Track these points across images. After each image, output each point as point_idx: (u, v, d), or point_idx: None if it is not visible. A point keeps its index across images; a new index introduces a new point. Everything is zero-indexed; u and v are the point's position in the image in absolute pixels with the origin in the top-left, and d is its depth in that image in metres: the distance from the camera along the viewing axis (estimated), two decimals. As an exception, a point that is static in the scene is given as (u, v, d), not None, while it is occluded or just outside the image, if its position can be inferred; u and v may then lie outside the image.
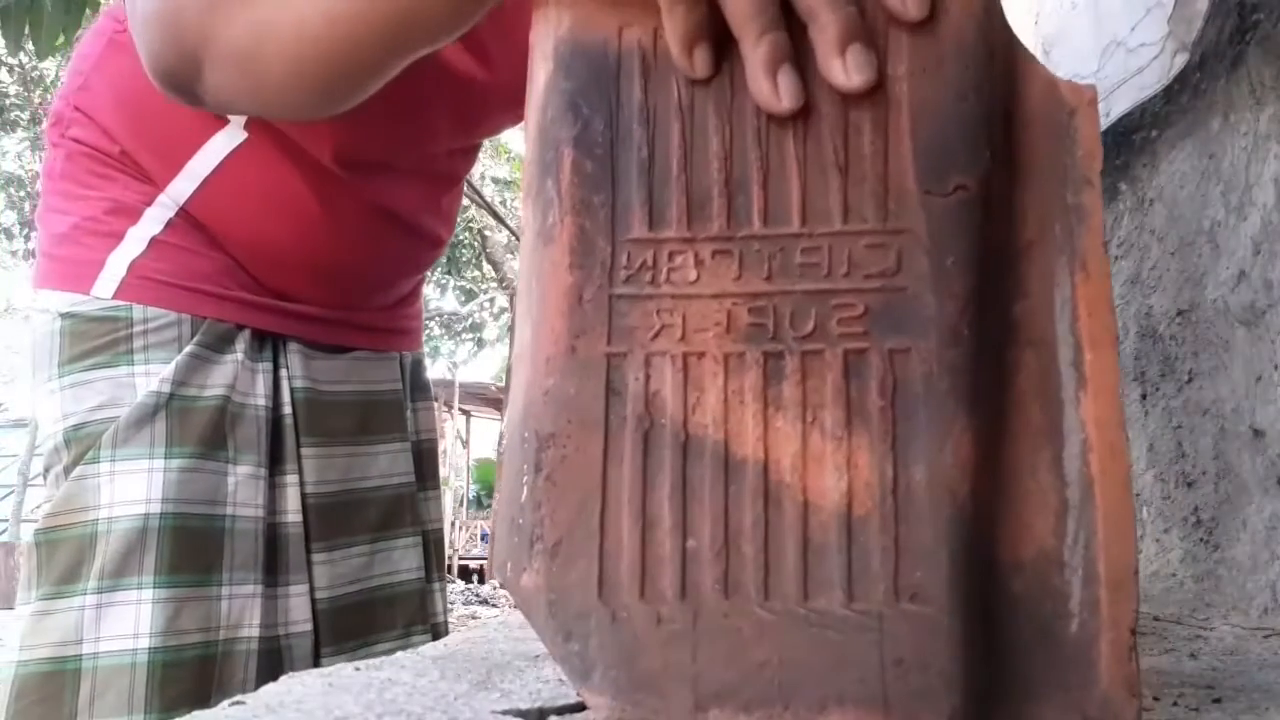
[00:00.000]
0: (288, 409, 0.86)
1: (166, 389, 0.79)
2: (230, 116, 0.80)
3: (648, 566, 0.37)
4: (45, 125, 0.90)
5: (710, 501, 0.37)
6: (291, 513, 0.85)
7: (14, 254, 11.87)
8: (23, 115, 10.62)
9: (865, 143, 0.40)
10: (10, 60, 9.61)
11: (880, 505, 0.36)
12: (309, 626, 0.85)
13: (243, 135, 0.81)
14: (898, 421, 0.37)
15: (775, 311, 0.39)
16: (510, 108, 0.88)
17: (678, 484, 0.38)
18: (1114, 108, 0.94)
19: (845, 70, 0.39)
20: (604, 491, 0.38)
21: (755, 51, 0.39)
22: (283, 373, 0.86)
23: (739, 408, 0.38)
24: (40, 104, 10.17)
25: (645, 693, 0.36)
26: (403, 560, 0.94)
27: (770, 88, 0.39)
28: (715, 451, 0.38)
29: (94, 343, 0.80)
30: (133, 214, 0.82)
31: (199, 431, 0.79)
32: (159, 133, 0.82)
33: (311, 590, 0.85)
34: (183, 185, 0.81)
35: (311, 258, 0.85)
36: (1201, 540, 0.77)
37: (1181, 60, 0.84)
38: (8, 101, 10.58)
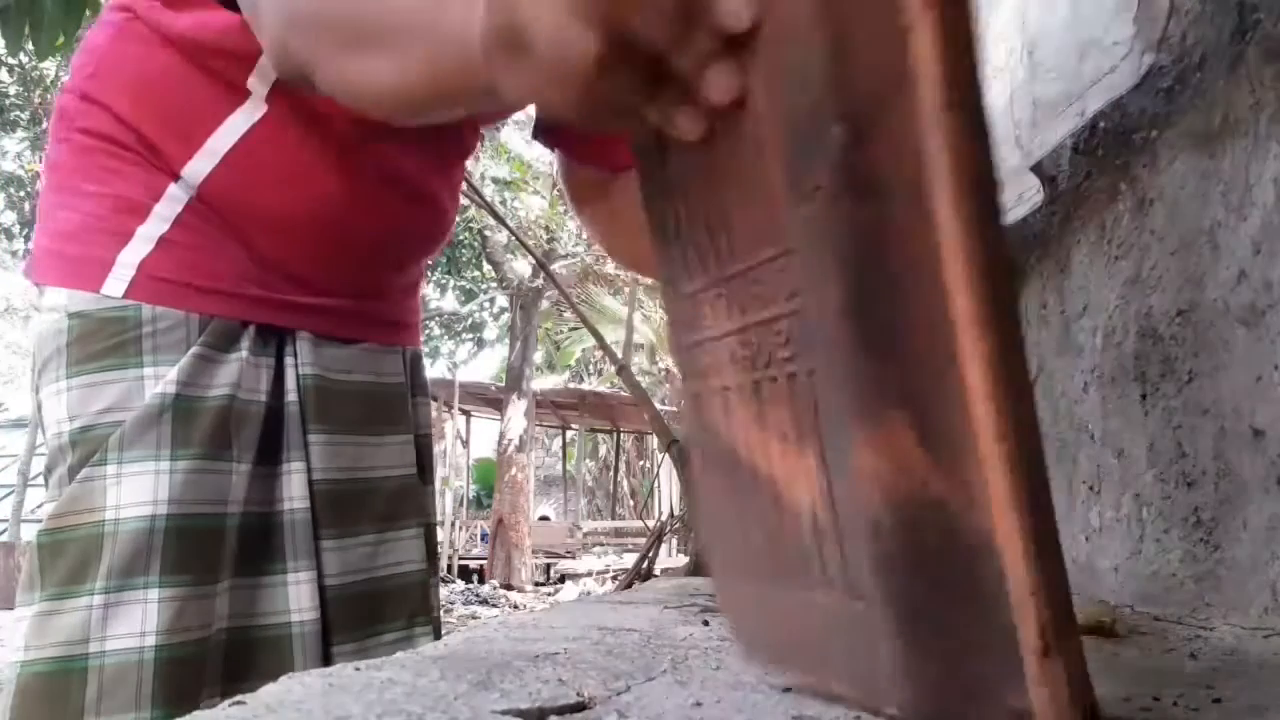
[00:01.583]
0: (293, 396, 0.86)
1: (172, 390, 0.79)
2: (251, 90, 0.81)
3: (738, 556, 0.48)
4: (47, 124, 0.89)
5: (756, 512, 0.44)
6: (298, 499, 0.85)
7: (14, 254, 11.87)
8: (23, 115, 10.63)
9: (750, 161, 0.39)
10: (10, 60, 9.62)
11: (830, 515, 0.39)
12: (316, 614, 0.84)
13: (263, 109, 0.81)
14: (823, 438, 0.39)
15: (754, 344, 0.42)
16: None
17: (736, 496, 0.46)
18: (1089, 106, 0.94)
19: (712, 88, 0.39)
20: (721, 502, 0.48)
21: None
22: (289, 361, 0.86)
23: (755, 433, 0.43)
24: (40, 104, 10.18)
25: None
26: (407, 552, 0.94)
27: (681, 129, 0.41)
28: (750, 470, 0.44)
29: (104, 344, 0.79)
30: (141, 212, 0.81)
31: (204, 433, 0.79)
32: (177, 112, 0.82)
33: (320, 577, 0.85)
34: (200, 165, 0.81)
35: (325, 230, 0.85)
36: (1201, 540, 0.77)
37: (1149, 59, 0.84)
38: (8, 101, 10.59)
